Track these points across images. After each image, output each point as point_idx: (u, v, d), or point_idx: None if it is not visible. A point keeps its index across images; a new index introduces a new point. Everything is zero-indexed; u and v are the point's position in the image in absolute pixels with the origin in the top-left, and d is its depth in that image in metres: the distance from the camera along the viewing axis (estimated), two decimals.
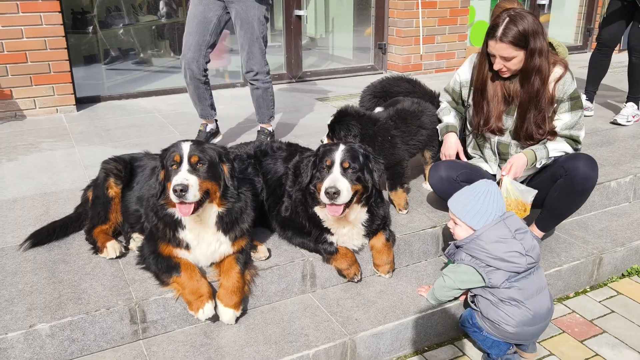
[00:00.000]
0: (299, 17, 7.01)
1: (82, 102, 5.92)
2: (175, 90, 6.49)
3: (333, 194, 2.60)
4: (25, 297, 2.56)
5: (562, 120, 3.15)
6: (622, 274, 3.55)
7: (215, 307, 2.61)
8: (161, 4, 7.30)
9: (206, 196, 2.51)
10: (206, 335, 2.63)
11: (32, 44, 5.23)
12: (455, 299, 2.87)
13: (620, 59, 7.12)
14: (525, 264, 2.58)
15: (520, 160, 3.10)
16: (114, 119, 5.45)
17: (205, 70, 4.21)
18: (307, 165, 2.80)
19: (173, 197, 2.38)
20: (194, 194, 2.39)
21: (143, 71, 7.19)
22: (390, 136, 3.40)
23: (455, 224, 2.78)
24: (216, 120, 4.56)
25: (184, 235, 2.61)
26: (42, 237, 3.00)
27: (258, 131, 4.55)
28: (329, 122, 3.42)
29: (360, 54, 8.02)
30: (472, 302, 2.75)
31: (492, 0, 8.52)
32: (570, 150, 3.15)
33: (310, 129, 5.14)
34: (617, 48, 5.63)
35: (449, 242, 2.84)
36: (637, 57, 5.09)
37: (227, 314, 2.63)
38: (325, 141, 3.50)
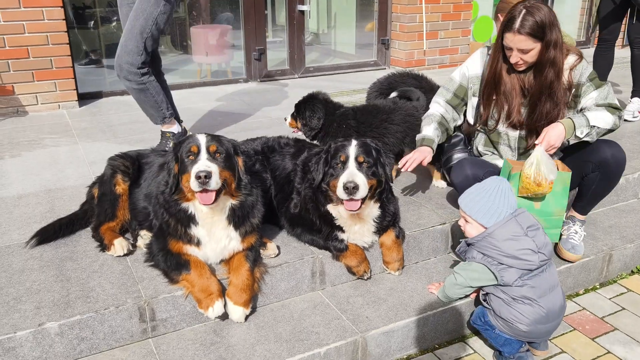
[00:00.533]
0: (302, 12, 6.96)
1: (85, 98, 5.88)
2: (178, 86, 6.46)
3: (352, 189, 2.57)
4: (33, 296, 2.53)
5: (591, 98, 3.04)
6: (632, 271, 3.53)
7: (225, 305, 2.59)
8: None
9: (223, 187, 2.49)
10: (216, 333, 2.60)
11: (34, 39, 5.18)
12: (466, 296, 2.85)
13: (623, 54, 7.09)
14: (538, 261, 2.55)
15: (556, 128, 2.92)
16: (117, 115, 5.41)
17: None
18: (317, 163, 2.77)
19: (195, 184, 2.37)
20: (216, 181, 2.40)
21: None
22: (345, 124, 3.52)
23: (466, 221, 2.75)
24: (180, 121, 4.16)
25: (196, 231, 2.58)
26: (48, 234, 2.96)
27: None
28: (296, 102, 3.65)
29: (363, 49, 7.97)
30: (484, 300, 2.73)
31: None
32: (610, 119, 2.96)
33: None
34: (619, 43, 5.61)
35: (460, 240, 2.81)
36: (639, 49, 5.14)
37: (237, 312, 2.60)
38: (289, 120, 3.77)
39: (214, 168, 2.41)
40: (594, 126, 2.95)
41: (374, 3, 7.56)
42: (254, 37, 6.76)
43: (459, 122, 3.49)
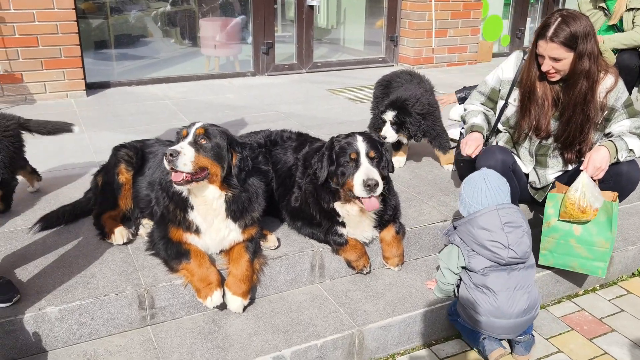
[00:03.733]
0: (311, 7, 6.96)
1: (92, 88, 5.92)
2: (186, 77, 6.48)
3: (374, 186, 2.57)
4: (34, 280, 2.57)
5: (624, 125, 3.00)
6: (633, 273, 3.52)
7: (224, 295, 2.61)
8: None
9: (203, 174, 2.48)
10: (214, 322, 2.62)
11: (43, 28, 5.22)
12: None
13: None
14: (507, 257, 2.57)
15: (599, 152, 2.87)
16: (124, 105, 5.44)
17: None
18: (321, 160, 2.76)
19: (165, 162, 2.40)
20: (183, 163, 2.39)
21: (153, 58, 7.18)
22: None
23: None
24: None
25: (193, 216, 2.60)
26: (51, 221, 3.00)
27: None
28: None
29: (372, 46, 7.97)
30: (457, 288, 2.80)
31: None
32: None
33: (319, 120, 5.12)
34: None
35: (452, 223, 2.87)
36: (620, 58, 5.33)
37: (235, 302, 2.62)
38: None
39: (187, 151, 2.41)
40: (632, 150, 2.93)
41: (383, 0, 7.55)
42: (263, 31, 6.77)
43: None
